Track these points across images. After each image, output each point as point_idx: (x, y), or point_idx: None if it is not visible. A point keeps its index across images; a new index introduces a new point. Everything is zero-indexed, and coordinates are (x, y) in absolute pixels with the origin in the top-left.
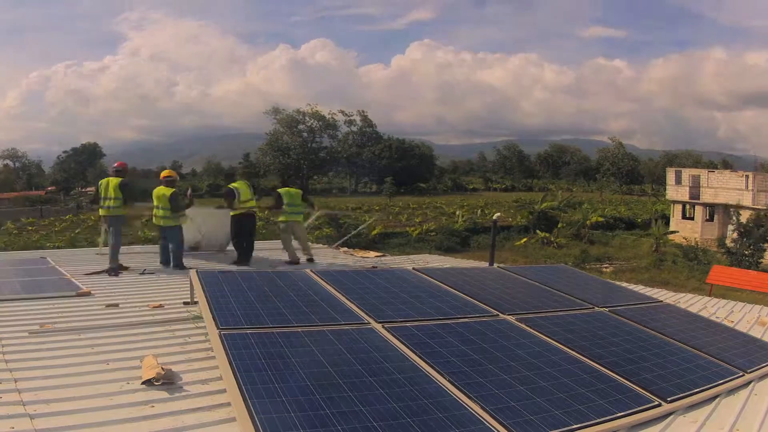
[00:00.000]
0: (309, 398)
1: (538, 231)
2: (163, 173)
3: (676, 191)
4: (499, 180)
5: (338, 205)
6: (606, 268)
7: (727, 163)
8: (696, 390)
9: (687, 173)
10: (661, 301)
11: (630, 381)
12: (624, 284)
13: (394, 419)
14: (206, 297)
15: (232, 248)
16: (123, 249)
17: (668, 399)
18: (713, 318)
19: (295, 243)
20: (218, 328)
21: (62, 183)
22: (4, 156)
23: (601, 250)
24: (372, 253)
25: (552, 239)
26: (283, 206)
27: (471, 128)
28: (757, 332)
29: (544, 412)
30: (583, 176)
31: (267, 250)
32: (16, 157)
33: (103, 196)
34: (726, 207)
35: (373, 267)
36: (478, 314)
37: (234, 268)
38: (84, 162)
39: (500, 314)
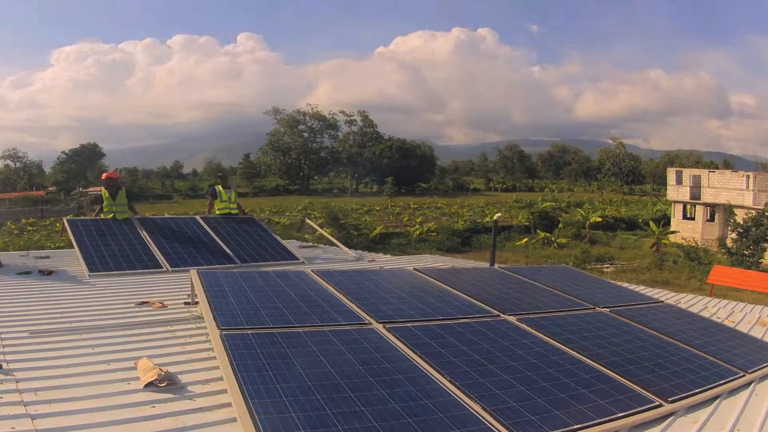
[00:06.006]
0: (310, 398)
1: (539, 231)
2: None
3: (676, 191)
4: (501, 180)
5: (339, 205)
6: (607, 268)
7: (728, 164)
8: (697, 390)
9: (688, 173)
10: (662, 301)
11: (631, 381)
12: (625, 284)
13: (395, 419)
14: (207, 297)
15: None
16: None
17: (669, 399)
18: (714, 318)
19: None
20: (219, 329)
21: (63, 183)
22: (5, 156)
23: (602, 250)
24: None
25: (553, 239)
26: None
27: None
28: (757, 333)
29: (544, 412)
30: (585, 176)
31: None
32: (17, 158)
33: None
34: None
35: (380, 268)
36: (479, 314)
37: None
38: (84, 162)
39: (501, 314)
